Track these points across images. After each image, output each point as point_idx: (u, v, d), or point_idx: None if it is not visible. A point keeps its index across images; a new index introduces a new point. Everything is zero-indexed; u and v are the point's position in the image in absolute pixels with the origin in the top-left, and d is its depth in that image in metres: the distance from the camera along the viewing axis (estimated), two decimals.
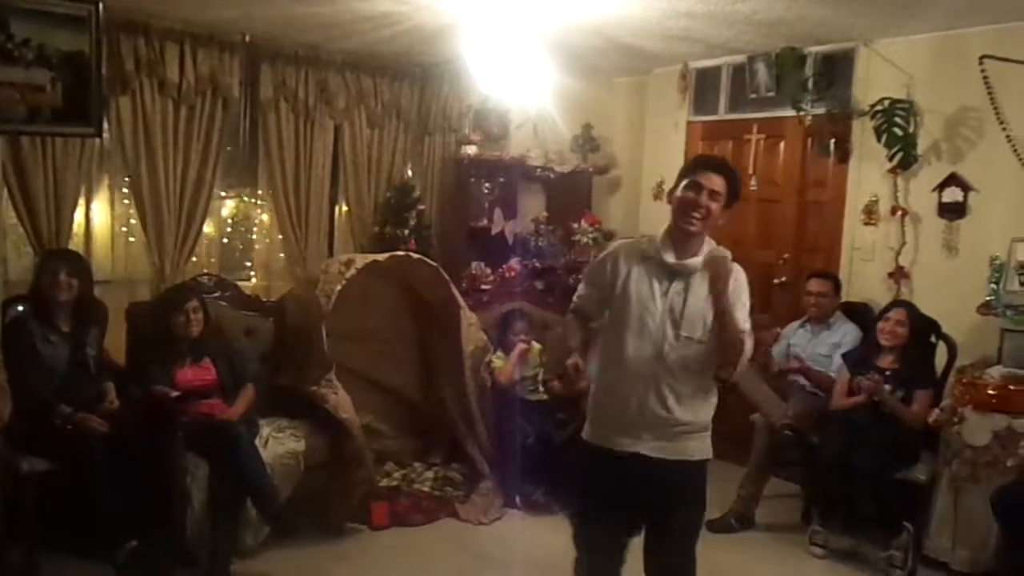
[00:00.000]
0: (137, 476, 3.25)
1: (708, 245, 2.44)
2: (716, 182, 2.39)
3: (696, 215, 2.38)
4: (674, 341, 2.37)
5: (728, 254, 2.41)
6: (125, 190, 4.36)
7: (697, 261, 2.40)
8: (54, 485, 3.18)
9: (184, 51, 4.27)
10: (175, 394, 3.48)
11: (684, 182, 2.44)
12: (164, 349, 3.64)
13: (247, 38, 4.53)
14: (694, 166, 2.48)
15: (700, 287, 2.38)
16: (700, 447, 2.47)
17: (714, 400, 2.50)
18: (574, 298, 2.64)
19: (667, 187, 5.30)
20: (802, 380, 4.15)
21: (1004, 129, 3.87)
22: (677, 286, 2.40)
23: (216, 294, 4.14)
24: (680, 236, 2.42)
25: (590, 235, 5.32)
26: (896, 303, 4.00)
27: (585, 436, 2.54)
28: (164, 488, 3.30)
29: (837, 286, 4.28)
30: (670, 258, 2.41)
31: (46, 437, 3.22)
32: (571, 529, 2.61)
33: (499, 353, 4.46)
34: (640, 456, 2.40)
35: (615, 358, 2.43)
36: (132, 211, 4.37)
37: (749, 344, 2.41)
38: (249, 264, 5.09)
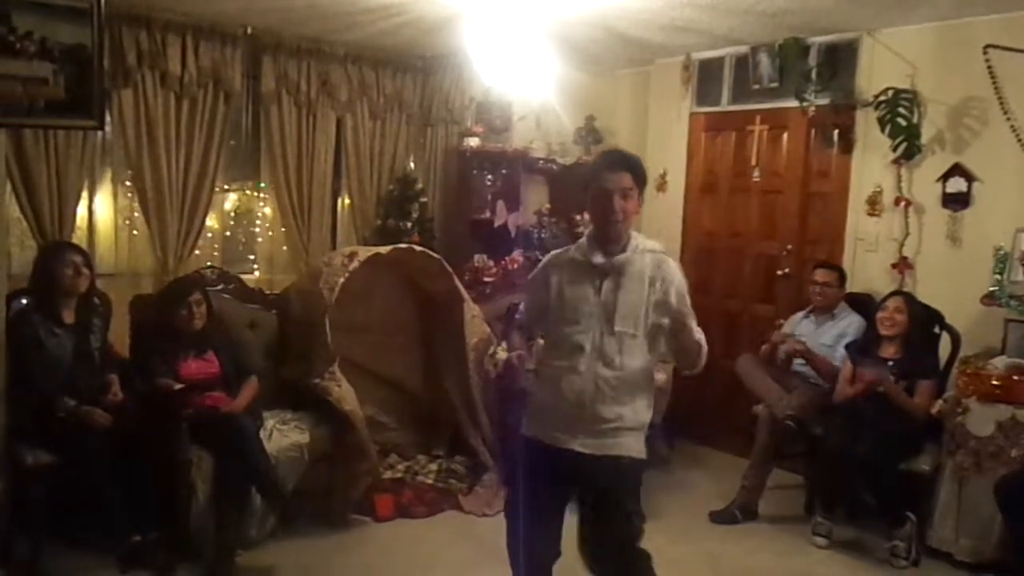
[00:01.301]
0: (141, 469, 3.26)
1: (634, 238, 2.51)
2: (624, 180, 2.45)
3: (616, 219, 2.45)
4: (609, 337, 2.43)
5: (657, 246, 2.54)
6: (128, 183, 4.36)
7: (625, 257, 2.46)
8: (59, 478, 3.19)
9: (186, 44, 4.26)
10: (179, 387, 3.49)
11: (593, 188, 2.48)
12: (168, 342, 3.64)
13: (249, 30, 4.53)
14: (597, 169, 2.52)
15: (632, 282, 2.45)
16: (633, 445, 2.50)
17: (651, 398, 2.54)
18: (517, 316, 2.79)
19: (670, 179, 5.35)
20: (805, 370, 4.15)
21: (1008, 119, 3.86)
22: (609, 283, 2.46)
23: (219, 287, 4.14)
24: (604, 238, 2.49)
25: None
26: (894, 293, 4.00)
27: (524, 431, 2.60)
28: (169, 480, 3.31)
29: (842, 277, 4.28)
30: (598, 259, 2.47)
31: (51, 430, 3.23)
32: (507, 522, 2.66)
33: (503, 345, 4.46)
34: (574, 452, 2.45)
35: (553, 356, 2.52)
36: (135, 204, 4.37)
37: (701, 335, 2.50)
38: (252, 257, 5.09)
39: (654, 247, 2.54)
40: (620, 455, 2.47)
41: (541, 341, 2.75)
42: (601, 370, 2.43)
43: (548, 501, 2.55)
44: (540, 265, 2.70)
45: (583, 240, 2.57)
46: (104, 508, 3.20)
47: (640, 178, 2.50)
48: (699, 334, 2.49)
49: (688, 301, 2.50)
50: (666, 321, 2.45)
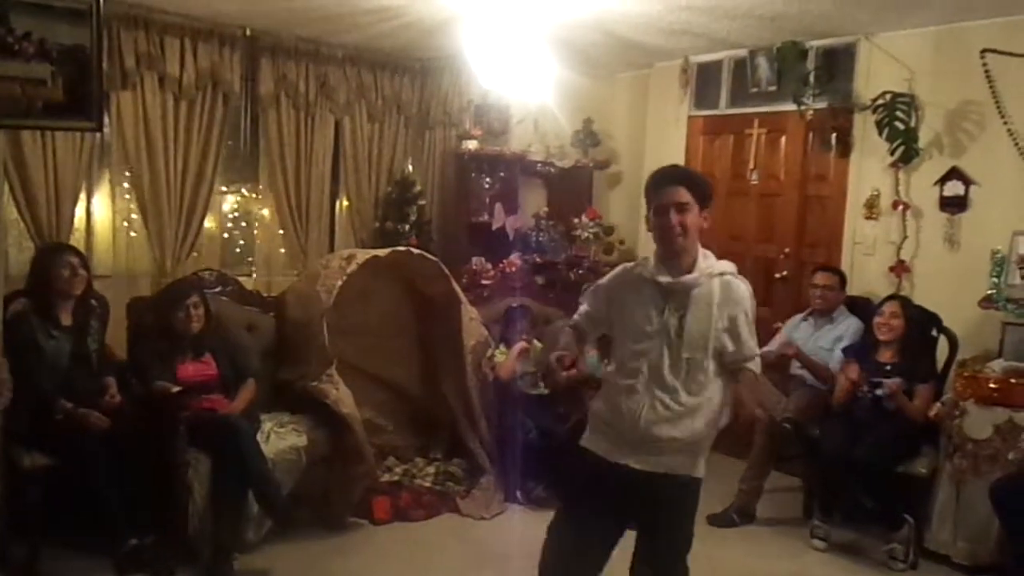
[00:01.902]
0: (139, 471, 3.25)
1: (704, 259, 2.45)
2: (680, 194, 2.38)
3: (674, 235, 2.37)
4: (671, 361, 2.37)
5: (728, 267, 2.47)
6: (126, 185, 4.36)
7: (693, 278, 2.40)
8: (56, 480, 3.18)
9: (184, 45, 4.27)
10: (176, 389, 3.48)
11: (651, 208, 2.43)
12: (165, 344, 3.64)
13: (247, 32, 4.53)
14: (653, 186, 2.46)
15: (699, 307, 2.38)
16: (689, 463, 2.44)
17: (714, 419, 2.46)
18: (575, 315, 2.72)
19: None
20: (803, 373, 4.15)
21: (1005, 123, 3.87)
22: (672, 305, 2.39)
23: (217, 289, 4.13)
24: (669, 256, 2.42)
25: (591, 230, 5.33)
26: (889, 297, 4.01)
27: (583, 442, 2.56)
28: (166, 483, 3.30)
29: (843, 280, 4.29)
30: (664, 279, 2.40)
31: (47, 432, 3.22)
32: (549, 534, 2.58)
33: (501, 348, 4.47)
34: (629, 468, 2.41)
35: (615, 373, 2.48)
36: (133, 206, 4.36)
37: (758, 363, 2.48)
38: (250, 259, 5.09)
39: (724, 269, 2.46)
40: (676, 473, 2.42)
41: (592, 352, 2.68)
42: (659, 393, 2.37)
43: (597, 515, 2.48)
44: (607, 276, 2.64)
45: (650, 257, 2.50)
46: (101, 511, 3.19)
47: (698, 190, 2.41)
48: (754, 350, 2.45)
49: (751, 332, 2.45)
50: (732, 350, 2.41)
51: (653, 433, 2.38)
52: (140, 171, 4.26)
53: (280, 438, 3.74)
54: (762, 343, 4.30)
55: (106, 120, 4.07)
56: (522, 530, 3.84)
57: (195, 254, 4.55)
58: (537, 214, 5.49)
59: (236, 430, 3.47)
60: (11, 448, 3.20)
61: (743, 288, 2.45)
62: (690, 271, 2.40)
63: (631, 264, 2.60)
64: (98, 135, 4.08)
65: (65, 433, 3.21)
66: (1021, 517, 3.13)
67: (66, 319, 3.45)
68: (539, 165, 5.51)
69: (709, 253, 2.48)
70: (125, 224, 4.43)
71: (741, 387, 2.43)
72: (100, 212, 4.34)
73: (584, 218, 5.38)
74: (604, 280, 2.64)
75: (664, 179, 2.45)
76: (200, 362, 3.67)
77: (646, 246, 5.38)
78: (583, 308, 2.68)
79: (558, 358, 2.52)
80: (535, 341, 4.47)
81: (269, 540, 3.59)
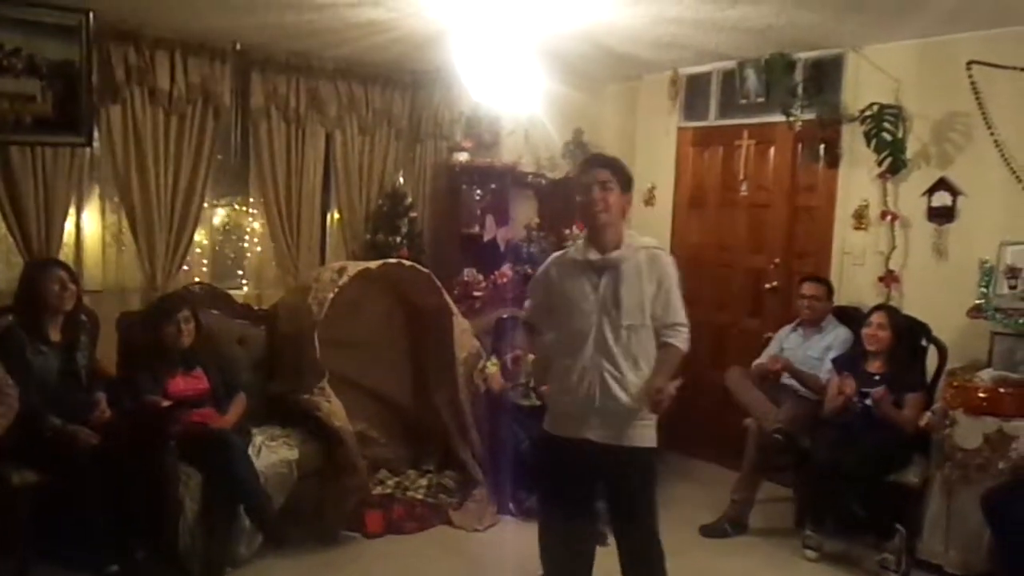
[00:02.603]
0: (129, 487, 3.23)
1: (629, 236, 2.66)
2: (603, 175, 2.61)
3: (597, 210, 2.58)
4: (612, 331, 2.56)
5: (652, 242, 2.69)
6: (116, 199, 4.35)
7: (620, 252, 2.60)
8: (45, 497, 3.16)
9: (175, 60, 4.26)
10: (167, 404, 3.47)
11: (576, 190, 2.66)
12: (156, 359, 3.63)
13: (238, 46, 4.53)
14: (579, 170, 2.75)
15: (631, 276, 2.59)
16: (644, 434, 2.62)
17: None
18: (523, 313, 2.93)
19: (658, 193, 5.38)
20: (794, 384, 4.16)
21: (992, 134, 3.91)
22: (607, 279, 2.60)
23: (207, 303, 4.12)
24: (596, 234, 2.63)
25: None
26: (876, 307, 4.03)
27: (545, 426, 2.75)
28: (156, 498, 3.28)
29: (830, 290, 4.31)
30: (594, 256, 2.61)
31: (37, 449, 3.20)
32: (540, 528, 2.77)
33: (493, 359, 4.46)
34: (588, 442, 2.59)
35: (560, 353, 2.67)
36: (123, 220, 4.35)
37: (685, 334, 2.65)
38: (241, 272, 5.08)
39: (648, 243, 2.67)
40: (632, 446, 2.60)
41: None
42: (605, 363, 2.56)
43: (572, 494, 2.68)
44: (542, 266, 2.83)
45: (580, 241, 2.71)
46: (90, 528, 3.17)
47: (620, 174, 2.64)
48: (682, 318, 2.64)
49: (677, 290, 2.64)
50: (662, 315, 2.60)
51: (605, 403, 2.56)
52: (130, 185, 4.24)
53: (271, 452, 3.73)
54: (754, 353, 4.41)
55: (96, 135, 4.08)
56: (515, 541, 3.84)
57: (185, 268, 4.53)
58: (528, 225, 5.50)
59: (227, 444, 3.46)
60: (0, 465, 3.18)
61: (667, 259, 2.68)
62: (617, 248, 2.61)
63: (560, 252, 2.81)
64: (88, 150, 4.07)
65: (54, 450, 3.19)
66: (1013, 527, 3.14)
67: (55, 335, 3.44)
68: (530, 177, 5.52)
69: (634, 232, 2.70)
70: (115, 238, 4.41)
71: (655, 369, 2.59)
72: (90, 227, 4.32)
73: (575, 229, 5.37)
74: (539, 271, 2.84)
75: (590, 162, 2.75)
76: (191, 376, 3.67)
77: None
78: (528, 304, 2.89)
79: (513, 358, 2.80)
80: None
81: (261, 555, 3.58)
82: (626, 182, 2.66)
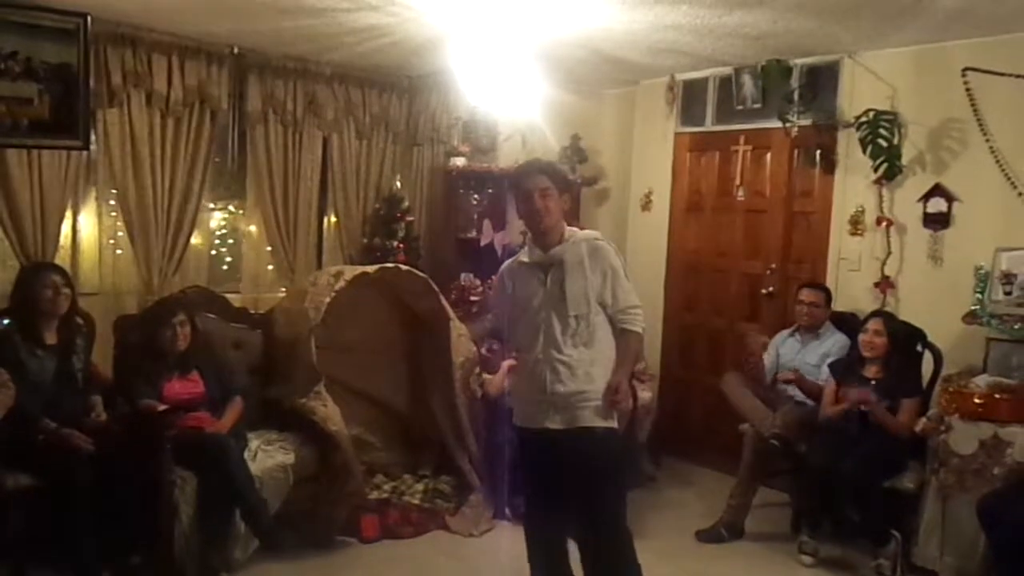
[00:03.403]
0: (124, 491, 3.22)
1: (569, 231, 2.82)
2: (540, 181, 2.77)
3: (540, 216, 2.75)
4: (562, 322, 2.71)
5: (592, 234, 2.85)
6: (112, 202, 4.34)
7: (561, 248, 2.76)
8: (40, 501, 3.15)
9: (172, 63, 4.26)
10: (162, 407, 3.46)
11: (518, 196, 2.82)
12: (152, 363, 3.63)
13: (235, 50, 4.53)
14: (517, 177, 2.88)
15: (574, 268, 2.73)
16: (599, 415, 2.73)
17: (608, 367, 2.77)
18: (487, 323, 3.10)
19: (655, 198, 5.38)
20: (792, 390, 4.17)
21: (987, 140, 3.92)
22: (553, 274, 2.76)
23: (204, 307, 4.12)
24: (539, 237, 2.82)
25: None
26: (873, 313, 4.03)
27: (514, 420, 2.92)
28: (151, 502, 3.27)
29: (828, 297, 4.31)
30: (537, 255, 2.80)
31: (31, 452, 3.19)
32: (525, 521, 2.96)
33: None
34: (548, 430, 2.73)
35: (519, 349, 2.87)
36: (119, 223, 4.35)
37: (640, 316, 2.81)
38: (238, 276, 5.07)
39: (588, 235, 2.84)
40: (591, 426, 2.72)
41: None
42: (556, 354, 2.71)
43: (542, 482, 2.84)
44: (497, 276, 3.01)
45: (526, 244, 2.88)
46: (85, 532, 3.15)
47: (556, 178, 2.82)
48: (633, 301, 2.79)
49: (622, 273, 2.79)
50: (611, 302, 2.74)
51: (559, 391, 2.70)
52: (126, 188, 4.24)
53: (267, 456, 3.73)
54: (746, 357, 4.39)
55: (93, 138, 4.07)
56: (511, 547, 3.81)
57: (181, 272, 4.52)
58: (525, 231, 5.48)
59: (223, 448, 3.45)
60: None
61: (607, 248, 2.81)
62: (559, 244, 2.78)
63: (511, 258, 2.96)
64: (85, 153, 4.07)
65: (48, 453, 3.18)
66: (1008, 533, 3.14)
67: (51, 338, 3.43)
68: None
69: (574, 228, 2.86)
70: (111, 242, 4.40)
71: (615, 364, 2.74)
72: (86, 230, 4.31)
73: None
74: (496, 280, 3.02)
75: (527, 170, 2.88)
76: (187, 380, 3.67)
77: (634, 261, 5.40)
78: (491, 316, 3.11)
79: (481, 383, 2.96)
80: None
81: (256, 559, 3.57)
82: (563, 185, 2.86)
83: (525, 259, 2.84)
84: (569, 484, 2.77)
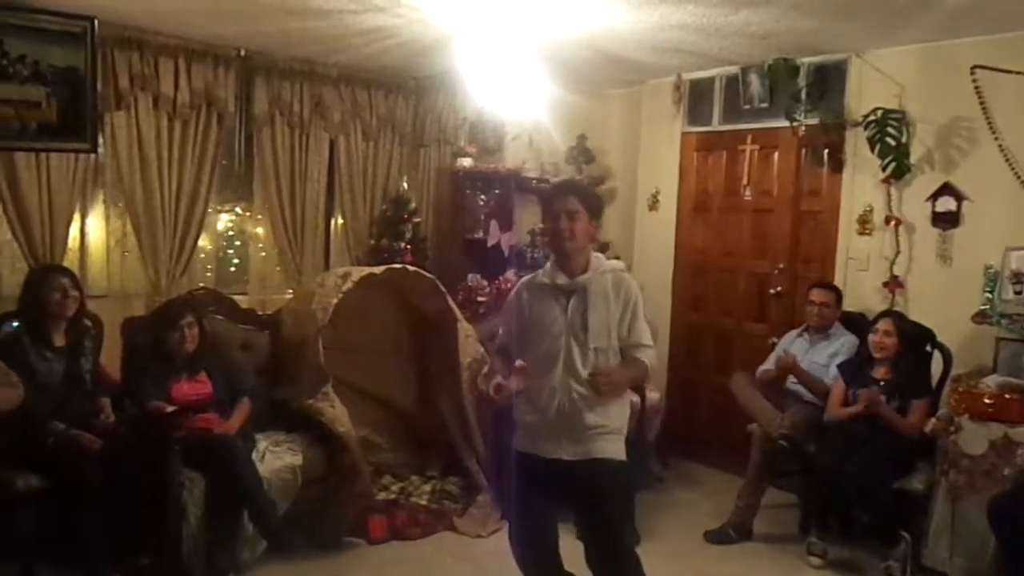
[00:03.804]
0: (132, 492, 3.23)
1: (596, 260, 2.73)
2: (571, 203, 2.66)
3: (564, 238, 2.65)
4: (580, 352, 2.62)
5: (618, 265, 2.78)
6: (120, 204, 4.36)
7: (587, 277, 2.67)
8: (50, 502, 3.16)
9: (179, 66, 4.28)
10: (171, 409, 3.47)
11: (547, 214, 2.73)
12: (160, 364, 3.64)
13: (242, 52, 4.54)
14: (549, 196, 2.79)
15: (598, 299, 2.65)
16: (613, 448, 2.68)
17: (624, 402, 2.76)
18: (497, 340, 2.95)
19: (662, 198, 5.37)
20: (799, 389, 4.15)
21: (996, 139, 3.90)
22: (575, 303, 2.66)
23: (211, 308, 4.13)
24: (563, 260, 2.71)
25: None
26: (883, 314, 4.01)
27: (515, 445, 2.79)
28: (160, 503, 3.28)
29: (839, 297, 4.29)
30: (561, 280, 2.69)
31: (40, 454, 3.20)
32: (509, 536, 2.85)
33: None
34: (561, 461, 2.65)
35: (532, 375, 2.69)
36: (127, 226, 4.36)
37: (653, 356, 2.74)
38: (245, 278, 5.09)
39: (614, 266, 2.76)
40: (601, 458, 2.65)
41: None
42: (574, 384, 2.62)
43: (541, 508, 2.75)
44: (512, 291, 2.90)
45: (548, 265, 2.77)
46: (94, 533, 3.16)
47: (588, 201, 2.70)
48: (646, 341, 2.72)
49: (640, 313, 2.72)
50: (626, 337, 2.67)
51: (576, 422, 2.63)
52: (134, 191, 4.26)
53: (275, 457, 3.74)
54: (759, 359, 4.40)
55: (100, 141, 4.09)
56: None
57: (188, 274, 4.54)
58: (532, 230, 5.50)
59: (231, 450, 3.46)
60: (4, 470, 3.18)
61: (632, 283, 2.74)
62: (584, 272, 2.68)
63: (529, 276, 2.86)
64: (92, 156, 4.09)
65: (58, 455, 3.19)
66: (1018, 534, 3.12)
67: (59, 340, 3.45)
68: (534, 182, 5.52)
69: (600, 256, 2.77)
70: (119, 244, 4.42)
71: (622, 363, 2.67)
72: (94, 232, 4.34)
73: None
74: (510, 297, 2.91)
75: (559, 190, 2.83)
76: (195, 381, 3.68)
77: (641, 261, 5.41)
78: (500, 331, 2.93)
79: (495, 387, 2.70)
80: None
81: (264, 560, 3.58)
82: (595, 209, 2.72)
83: (547, 280, 2.72)
84: (575, 511, 2.76)
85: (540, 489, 2.72)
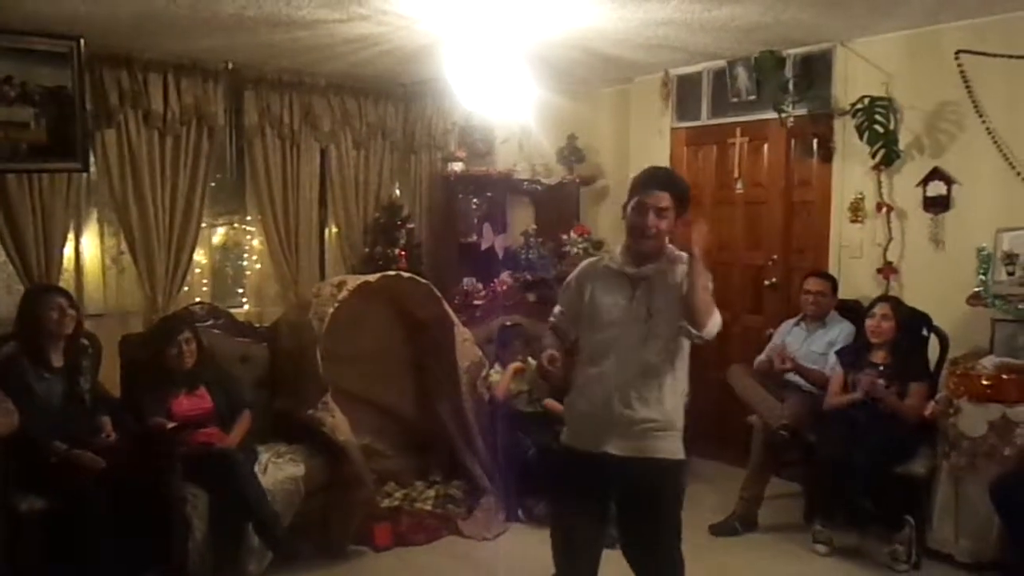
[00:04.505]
0: (136, 510, 3.23)
1: (668, 249, 2.56)
2: (663, 199, 2.48)
3: (647, 235, 2.49)
4: (640, 344, 2.48)
5: (687, 257, 2.50)
6: (114, 223, 4.36)
7: (657, 267, 2.52)
8: (54, 523, 3.16)
9: (167, 81, 4.29)
10: (171, 425, 3.47)
11: (632, 203, 2.54)
12: (159, 381, 3.64)
13: (230, 65, 4.55)
14: (640, 184, 2.55)
15: (666, 290, 2.50)
16: (668, 447, 2.52)
17: (682, 396, 2.58)
18: (551, 317, 2.80)
19: None
20: (797, 379, 4.16)
21: (983, 122, 3.91)
22: (641, 292, 2.52)
23: (209, 322, 4.14)
24: (636, 250, 2.55)
25: (580, 245, 5.34)
26: (880, 299, 4.03)
27: (563, 439, 2.67)
28: (164, 520, 3.28)
29: (835, 285, 4.30)
30: (630, 270, 2.54)
31: (42, 475, 3.20)
32: (551, 536, 2.67)
33: (496, 367, 4.48)
34: (609, 455, 2.49)
35: (586, 363, 2.58)
36: (122, 243, 4.37)
37: (717, 316, 2.51)
38: (241, 291, 5.09)
39: (684, 257, 2.54)
40: (654, 457, 2.49)
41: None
42: (630, 376, 2.47)
43: (586, 507, 2.57)
44: (574, 272, 2.74)
45: (617, 250, 2.62)
46: (99, 552, 3.16)
47: (680, 198, 2.52)
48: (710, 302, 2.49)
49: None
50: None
51: (627, 415, 2.47)
52: (127, 208, 4.27)
53: (278, 468, 3.73)
54: (756, 352, 4.40)
55: (92, 159, 4.09)
56: (525, 548, 3.83)
57: (186, 288, 4.55)
58: (526, 232, 5.51)
59: (233, 463, 3.47)
60: (8, 492, 3.18)
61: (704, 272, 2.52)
62: (654, 260, 2.53)
63: (595, 258, 2.74)
64: (84, 175, 4.09)
65: (60, 475, 3.19)
66: (1020, 514, 3.14)
67: (57, 360, 3.45)
68: (525, 183, 5.54)
69: (671, 246, 2.58)
70: (114, 262, 4.43)
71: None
72: (89, 251, 4.35)
73: (572, 234, 5.40)
74: (572, 275, 2.74)
75: (652, 181, 2.56)
76: (194, 396, 3.68)
77: None
78: (558, 308, 2.76)
79: (549, 358, 2.57)
80: (529, 359, 4.47)
81: (271, 572, 3.58)
82: (684, 205, 2.54)
83: (614, 266, 2.57)
84: (626, 511, 2.59)
85: (585, 489, 2.55)
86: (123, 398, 3.73)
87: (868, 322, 3.90)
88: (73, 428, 3.36)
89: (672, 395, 2.53)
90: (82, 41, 3.81)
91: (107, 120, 4.14)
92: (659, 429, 2.49)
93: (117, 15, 3.58)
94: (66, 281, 4.10)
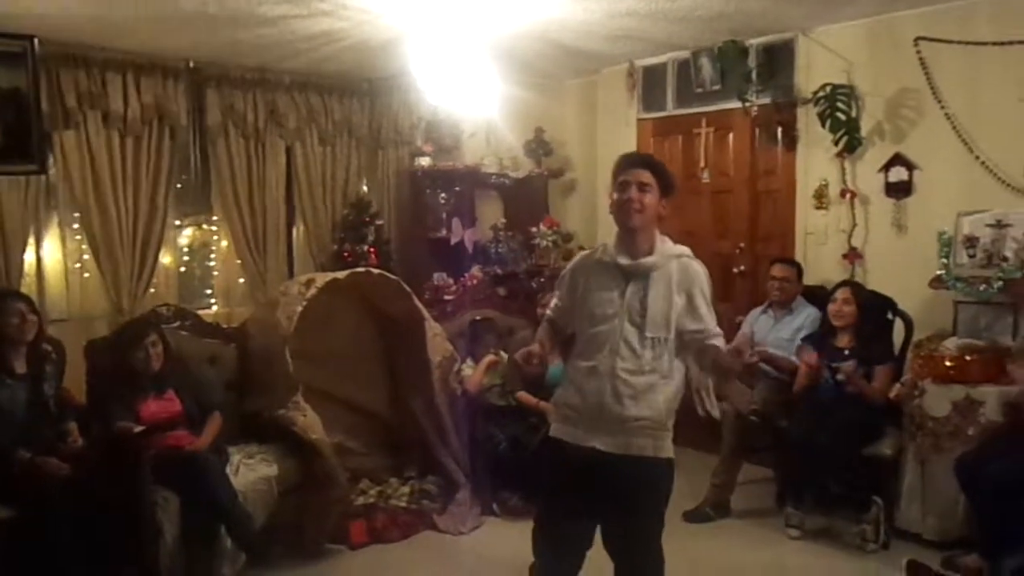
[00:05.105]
0: (105, 515, 3.19)
1: (662, 243, 2.51)
2: (643, 175, 2.47)
3: (632, 210, 2.44)
4: (635, 340, 2.42)
5: (684, 251, 2.53)
6: (76, 226, 4.29)
7: (652, 259, 2.46)
8: (21, 532, 3.11)
9: (127, 81, 4.23)
10: (139, 429, 3.43)
11: (615, 185, 2.51)
12: (125, 385, 3.59)
13: (191, 64, 4.49)
14: (620, 166, 2.54)
15: (660, 286, 2.44)
16: (657, 445, 2.47)
17: (674, 396, 2.50)
18: (548, 310, 2.76)
19: None
20: (766, 366, 4.20)
21: (942, 107, 3.98)
22: (634, 287, 2.45)
23: (176, 324, 4.08)
24: (628, 237, 2.49)
25: (549, 238, 5.35)
26: (841, 284, 4.08)
27: (551, 432, 2.62)
28: (134, 524, 3.24)
29: (800, 271, 4.35)
30: (624, 260, 2.47)
31: (7, 483, 3.14)
32: (533, 530, 2.62)
33: (468, 362, 4.47)
34: (596, 451, 2.44)
35: (579, 357, 2.52)
36: (85, 246, 4.30)
37: (722, 341, 2.51)
38: (209, 292, 5.03)
39: (681, 251, 2.53)
40: (642, 455, 2.45)
41: (556, 361, 2.70)
42: (621, 372, 2.41)
43: (571, 502, 2.52)
44: (569, 264, 2.72)
45: (609, 242, 2.57)
46: (68, 560, 3.12)
47: (661, 176, 2.49)
48: (715, 328, 2.50)
49: (711, 310, 2.52)
50: (693, 327, 2.45)
51: (617, 412, 2.41)
52: (89, 211, 4.20)
53: (250, 469, 3.70)
54: (726, 337, 4.42)
55: (51, 161, 4.02)
56: (501, 542, 3.84)
57: (152, 291, 4.48)
58: (495, 226, 5.51)
59: (203, 466, 3.43)
60: None
61: (699, 268, 2.53)
62: (649, 254, 2.47)
63: (590, 250, 2.68)
64: (43, 177, 4.02)
65: (25, 483, 3.13)
66: (985, 490, 3.20)
67: (20, 367, 3.39)
68: (493, 177, 5.53)
69: (666, 238, 2.54)
70: (78, 265, 4.36)
71: (718, 355, 2.49)
72: (51, 255, 4.27)
73: (542, 227, 5.40)
74: (567, 268, 2.72)
75: (632, 160, 2.56)
76: (162, 399, 3.63)
77: None
78: (554, 301, 2.74)
79: (525, 356, 2.55)
80: (502, 352, 4.48)
81: (245, 574, 3.54)
82: (667, 186, 2.50)
83: (607, 259, 2.51)
84: (610, 508, 2.50)
85: (570, 484, 2.50)
86: (89, 403, 3.67)
87: (830, 307, 3.95)
88: (38, 435, 3.30)
89: (665, 393, 2.46)
90: (36, 40, 3.74)
91: (65, 121, 4.07)
92: (649, 427, 2.44)
93: (72, 13, 3.53)
94: (27, 286, 4.02)
